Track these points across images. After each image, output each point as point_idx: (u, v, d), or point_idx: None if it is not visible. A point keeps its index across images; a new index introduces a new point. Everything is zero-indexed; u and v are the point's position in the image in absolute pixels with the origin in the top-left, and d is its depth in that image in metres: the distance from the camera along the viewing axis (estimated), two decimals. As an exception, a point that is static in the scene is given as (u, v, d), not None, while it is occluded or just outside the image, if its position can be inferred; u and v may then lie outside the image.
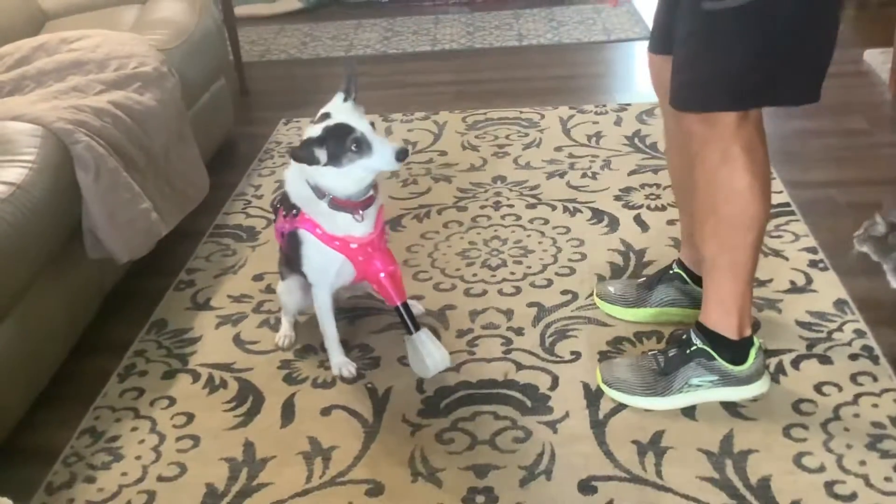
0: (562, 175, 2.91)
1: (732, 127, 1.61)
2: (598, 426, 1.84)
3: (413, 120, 3.46)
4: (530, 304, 2.25)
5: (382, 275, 1.94)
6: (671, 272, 2.11)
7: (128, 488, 1.78)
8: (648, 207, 2.66)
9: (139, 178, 2.29)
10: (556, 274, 2.37)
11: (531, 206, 2.73)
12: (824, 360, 1.96)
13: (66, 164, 2.10)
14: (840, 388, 1.87)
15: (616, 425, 1.84)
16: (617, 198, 2.74)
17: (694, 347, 1.82)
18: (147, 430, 1.93)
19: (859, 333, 2.03)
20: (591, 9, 4.74)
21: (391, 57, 4.35)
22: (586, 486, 1.69)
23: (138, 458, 1.86)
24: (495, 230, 2.62)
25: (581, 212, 2.68)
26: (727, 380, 1.81)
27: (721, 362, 1.80)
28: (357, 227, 1.90)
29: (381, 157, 1.80)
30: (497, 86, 3.82)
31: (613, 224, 2.59)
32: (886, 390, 1.86)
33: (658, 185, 2.78)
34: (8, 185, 1.92)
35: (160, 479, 1.80)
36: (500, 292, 2.32)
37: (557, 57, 4.16)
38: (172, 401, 2.02)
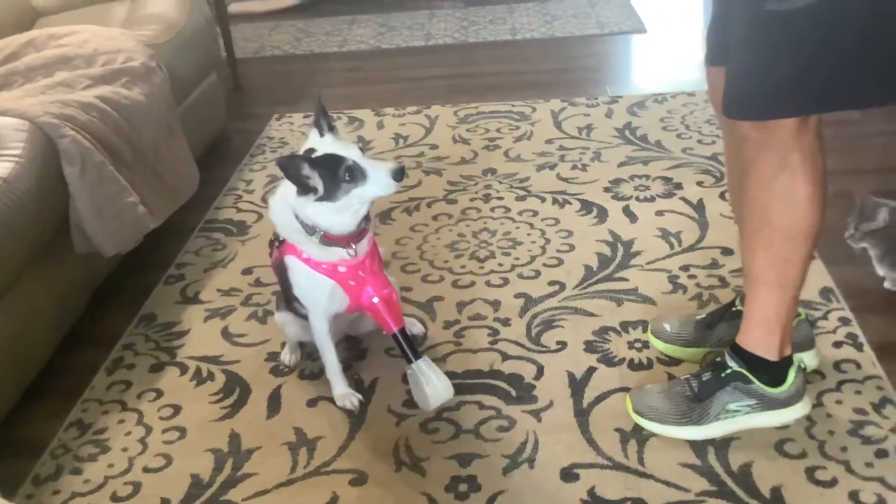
0: (552, 167, 2.92)
1: (792, 133, 1.51)
2: (582, 415, 1.84)
3: (405, 114, 3.47)
4: (517, 295, 2.26)
5: (376, 299, 1.83)
6: (734, 310, 1.92)
7: (114, 479, 1.79)
8: (637, 199, 2.66)
9: (126, 173, 2.29)
10: (544, 265, 2.38)
11: (521, 199, 2.74)
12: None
13: (53, 158, 2.11)
14: (823, 376, 1.87)
15: (599, 414, 1.84)
16: (606, 189, 2.74)
17: (729, 371, 1.71)
18: (134, 423, 1.94)
19: (844, 321, 2.04)
20: (586, 2, 4.74)
21: (385, 52, 4.35)
22: (568, 474, 1.70)
23: (125, 449, 1.87)
24: (484, 222, 2.62)
25: (570, 203, 2.68)
26: (766, 403, 1.71)
27: (758, 385, 1.70)
28: (345, 253, 1.80)
29: (378, 182, 1.68)
30: (490, 80, 3.82)
31: (602, 215, 2.60)
32: (869, 377, 1.86)
33: (647, 177, 2.79)
34: (-6, 180, 1.93)
35: (146, 470, 1.81)
36: (488, 283, 2.32)
37: (550, 50, 4.16)
38: (160, 393, 2.03)
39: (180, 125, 2.71)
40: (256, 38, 4.68)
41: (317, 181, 1.68)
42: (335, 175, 1.67)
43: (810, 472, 1.65)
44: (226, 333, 2.22)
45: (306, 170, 1.67)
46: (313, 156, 1.69)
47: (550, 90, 3.57)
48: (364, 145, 3.21)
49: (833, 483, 1.62)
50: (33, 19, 3.17)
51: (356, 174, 1.68)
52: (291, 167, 1.67)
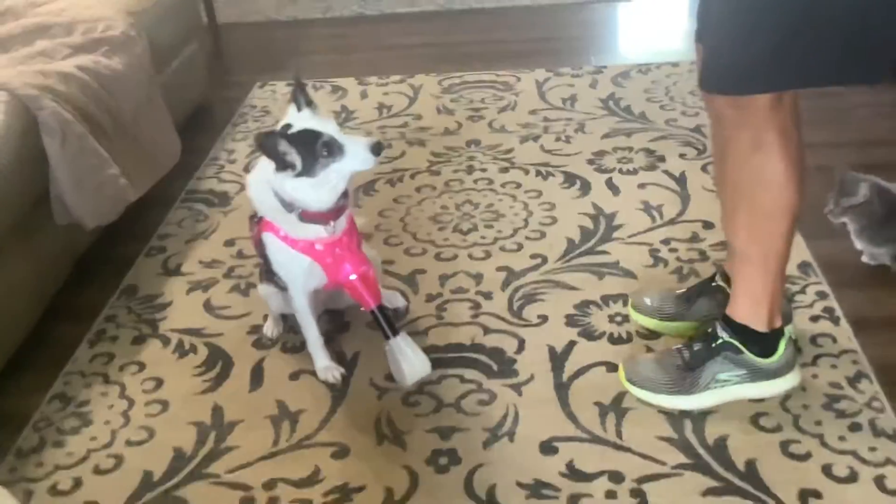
0: (535, 139, 2.91)
1: (766, 110, 1.52)
2: (562, 388, 1.86)
3: (389, 83, 3.44)
4: (500, 268, 2.27)
5: (353, 276, 1.83)
6: (714, 285, 1.94)
7: (96, 452, 1.80)
8: (620, 171, 2.67)
9: (107, 144, 2.28)
10: (527, 238, 2.39)
11: (504, 170, 2.74)
12: (785, 321, 1.98)
13: (32, 129, 2.09)
14: (800, 350, 1.89)
15: (579, 388, 1.86)
16: (590, 161, 2.74)
17: (720, 341, 1.75)
18: (116, 395, 1.95)
19: (821, 295, 2.06)
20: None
21: (369, 18, 4.31)
22: (547, 447, 1.72)
23: (107, 422, 1.88)
24: (468, 194, 2.62)
25: (553, 175, 2.68)
26: (756, 373, 1.74)
27: (749, 355, 1.73)
28: (323, 230, 1.80)
29: (355, 157, 1.68)
30: (475, 48, 3.79)
31: (585, 188, 2.60)
32: (845, 351, 1.89)
33: (630, 149, 2.79)
34: (-28, 152, 1.91)
35: (128, 443, 1.82)
36: (471, 256, 2.33)
37: (536, 18, 4.12)
38: (142, 366, 2.04)
39: (161, 94, 2.68)
40: (239, 3, 4.61)
41: (294, 157, 1.67)
42: (313, 150, 1.66)
43: (784, 445, 1.68)
44: (208, 306, 2.22)
45: (283, 146, 1.66)
46: (290, 131, 1.68)
47: (535, 59, 3.55)
48: (347, 116, 3.20)
49: (807, 456, 1.65)
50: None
51: (334, 149, 1.67)
52: (268, 143, 1.67)
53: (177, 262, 2.41)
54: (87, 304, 2.25)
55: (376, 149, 1.68)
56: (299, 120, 1.71)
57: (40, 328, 2.15)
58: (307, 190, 1.72)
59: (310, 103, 1.74)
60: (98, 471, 1.76)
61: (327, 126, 1.69)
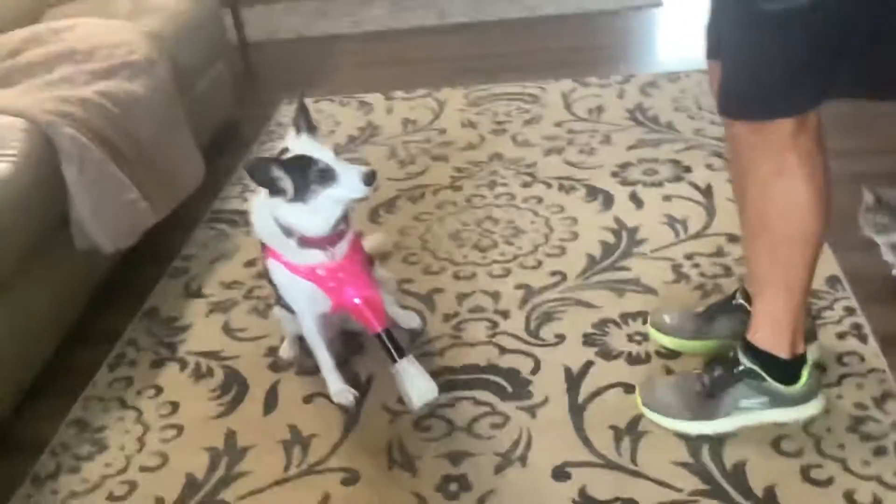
0: (559, 151, 2.87)
1: (788, 134, 1.46)
2: (577, 411, 1.82)
3: (415, 97, 3.43)
4: (518, 286, 2.23)
5: (357, 300, 1.81)
6: (734, 303, 1.89)
7: (110, 479, 1.81)
8: (644, 183, 2.62)
9: (127, 169, 2.30)
10: (547, 254, 2.35)
11: (526, 185, 2.70)
12: (811, 339, 1.91)
13: (51, 156, 2.12)
14: (824, 369, 1.83)
15: (595, 410, 1.82)
16: (613, 174, 2.69)
17: (741, 367, 1.69)
18: (132, 421, 1.96)
19: (849, 311, 1.99)
20: (603, -24, 4.64)
21: (397, 32, 4.30)
22: (560, 473, 1.69)
23: (122, 448, 1.89)
24: (489, 210, 2.60)
25: (576, 189, 2.64)
26: (778, 400, 1.69)
27: (771, 382, 1.67)
28: (323, 255, 1.79)
29: (348, 185, 1.68)
30: (502, 60, 3.76)
31: (608, 201, 2.56)
32: (872, 370, 1.82)
33: (656, 160, 2.74)
34: (-10, 181, 1.95)
35: (142, 469, 1.83)
36: (490, 274, 2.30)
37: (566, 27, 4.08)
38: (159, 390, 2.05)
39: (184, 116, 2.70)
40: (269, 20, 4.65)
41: (287, 183, 1.67)
42: (305, 176, 1.66)
43: (805, 470, 1.62)
44: (227, 328, 2.23)
45: (275, 171, 1.66)
46: (284, 157, 1.68)
47: (563, 70, 3.50)
48: (372, 131, 3.19)
49: (829, 482, 1.59)
50: (41, 10, 3.17)
51: (326, 176, 1.67)
52: (258, 171, 1.67)
53: (198, 283, 2.42)
54: (108, 328, 2.27)
55: (369, 178, 1.68)
56: (298, 144, 1.71)
57: (61, 353, 2.17)
58: (303, 216, 1.72)
59: (311, 128, 1.74)
60: (112, 497, 1.77)
61: (323, 153, 1.69)
